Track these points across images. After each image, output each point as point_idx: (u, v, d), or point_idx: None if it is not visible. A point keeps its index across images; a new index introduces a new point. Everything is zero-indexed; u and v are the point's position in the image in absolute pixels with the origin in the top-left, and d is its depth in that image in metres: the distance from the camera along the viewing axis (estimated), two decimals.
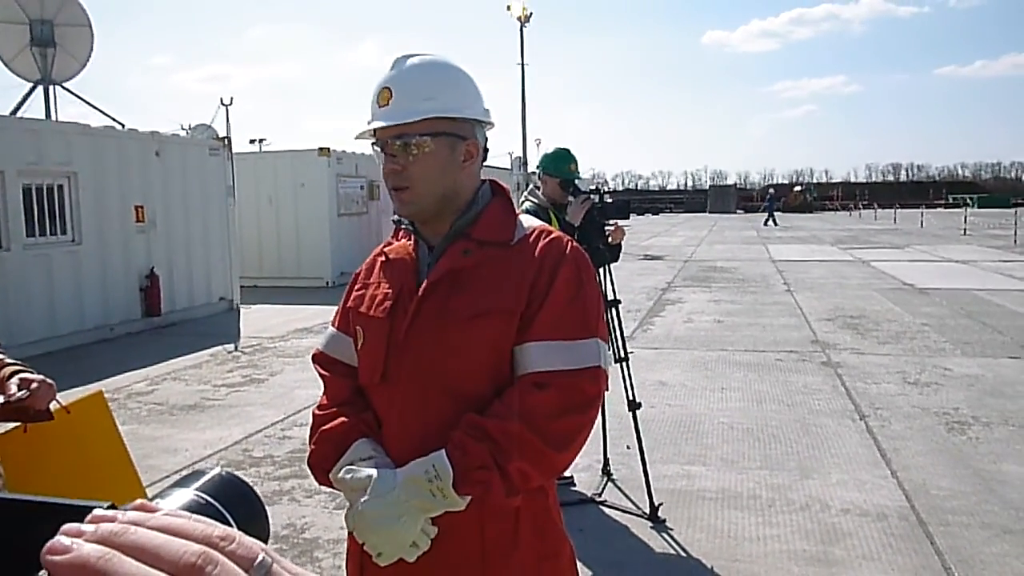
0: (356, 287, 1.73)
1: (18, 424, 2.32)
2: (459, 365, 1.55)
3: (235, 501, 0.56)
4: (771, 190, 45.74)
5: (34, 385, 2.16)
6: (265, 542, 0.47)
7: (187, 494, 0.55)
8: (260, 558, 0.42)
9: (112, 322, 10.32)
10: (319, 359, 1.78)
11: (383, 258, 1.70)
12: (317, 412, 1.69)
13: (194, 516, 0.44)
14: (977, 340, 8.98)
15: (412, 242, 1.67)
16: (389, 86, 1.57)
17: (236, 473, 0.61)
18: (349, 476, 1.49)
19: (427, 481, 1.43)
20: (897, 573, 3.64)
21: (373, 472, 1.47)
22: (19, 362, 2.30)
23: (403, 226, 1.70)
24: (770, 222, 40.04)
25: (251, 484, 0.61)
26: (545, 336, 1.52)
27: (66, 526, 0.41)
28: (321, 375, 1.75)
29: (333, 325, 1.78)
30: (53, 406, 2.26)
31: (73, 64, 15.20)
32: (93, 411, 2.67)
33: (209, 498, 0.55)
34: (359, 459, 1.53)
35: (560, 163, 4.49)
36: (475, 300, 1.55)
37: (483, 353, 1.55)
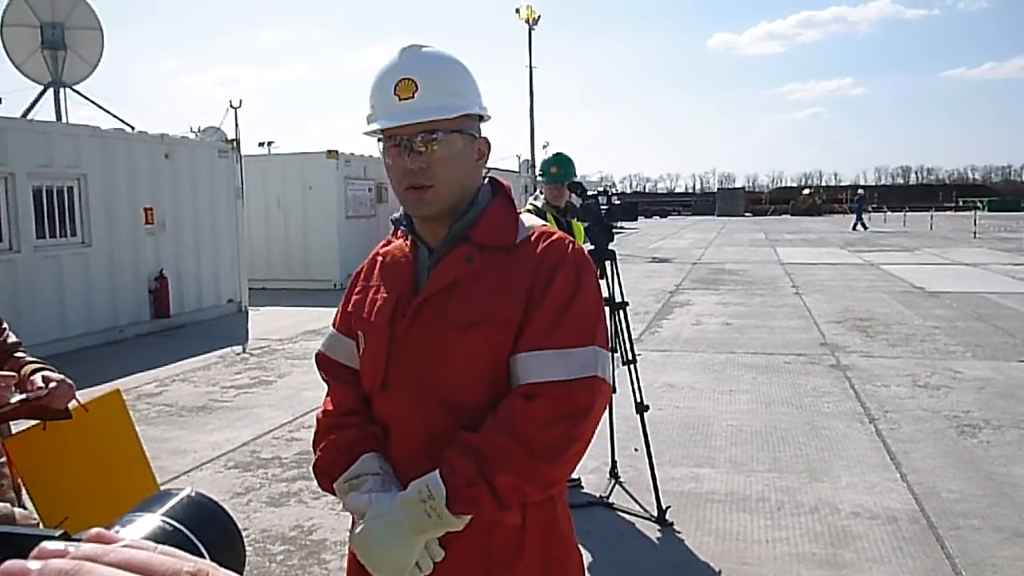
0: (356, 289, 1.69)
1: (38, 422, 2.33)
2: (454, 375, 1.50)
3: (207, 526, 0.50)
4: (860, 191, 41.34)
5: (52, 384, 2.18)
6: (241, 572, 0.42)
7: (152, 520, 0.49)
8: None
9: (121, 324, 10.35)
10: (322, 361, 1.74)
11: (381, 259, 1.65)
12: (322, 417, 1.66)
13: (160, 547, 0.40)
14: (988, 343, 8.93)
15: (409, 243, 1.62)
16: (412, 77, 1.48)
17: (207, 494, 0.55)
18: (352, 499, 1.48)
19: (421, 501, 1.39)
20: None
21: (372, 495, 1.46)
22: (40, 360, 2.32)
23: (402, 226, 1.64)
24: (859, 226, 35.88)
25: (224, 506, 0.55)
26: (538, 345, 1.46)
27: (8, 564, 0.36)
28: (325, 379, 1.73)
29: (334, 326, 1.75)
30: (71, 405, 2.28)
31: (84, 67, 15.27)
32: (111, 409, 2.68)
33: (177, 524, 0.49)
34: (364, 473, 1.51)
35: (544, 167, 4.80)
36: (472, 308, 1.49)
37: (479, 363, 1.49)
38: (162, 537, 0.47)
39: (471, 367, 1.49)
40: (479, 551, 1.48)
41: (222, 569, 0.38)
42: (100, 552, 0.37)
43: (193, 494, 0.53)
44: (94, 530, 0.40)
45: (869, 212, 40.52)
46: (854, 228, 35.70)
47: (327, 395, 1.72)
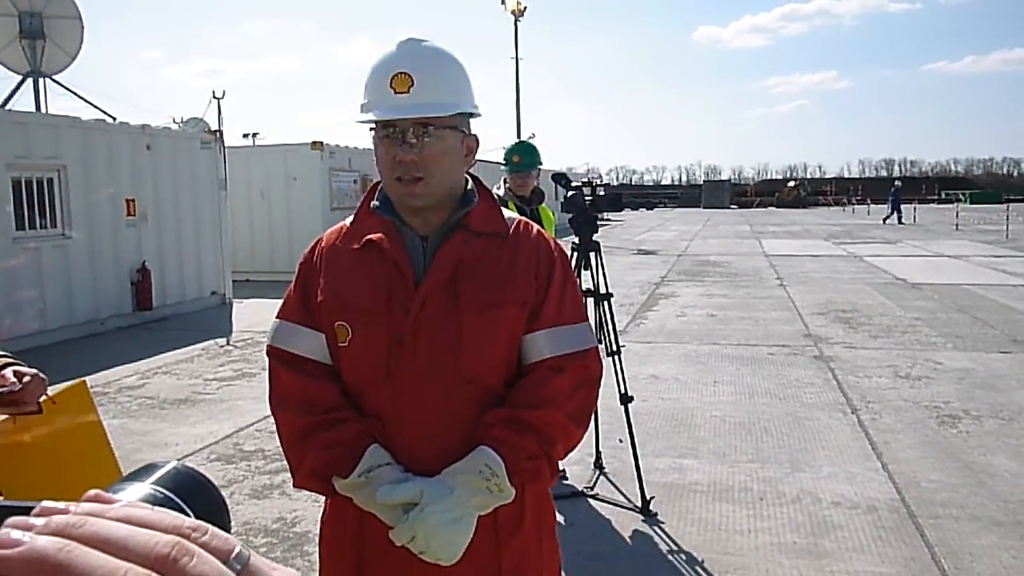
0: (322, 278, 1.64)
1: (6, 416, 2.31)
2: (475, 357, 1.56)
3: (195, 495, 0.51)
4: (897, 182, 38.78)
5: (26, 379, 2.15)
6: None
7: (143, 488, 0.50)
8: (238, 550, 0.39)
9: (103, 316, 10.26)
10: (279, 356, 1.67)
11: (356, 244, 1.62)
12: (296, 417, 1.59)
13: (157, 508, 0.41)
14: (968, 334, 9.01)
15: (393, 231, 1.60)
16: (408, 72, 1.52)
17: (193, 466, 0.56)
18: (390, 491, 1.44)
19: (484, 480, 1.45)
20: (887, 565, 3.65)
21: (423, 485, 1.44)
22: (10, 355, 2.29)
23: (385, 215, 1.63)
24: (893, 218, 33.85)
25: (210, 478, 0.56)
26: (554, 322, 1.62)
27: (13, 519, 0.37)
28: (292, 375, 1.64)
29: (286, 319, 1.68)
30: (41, 399, 2.25)
31: (63, 57, 15.10)
32: (77, 401, 2.66)
33: (167, 492, 0.50)
34: (378, 465, 1.49)
35: (507, 156, 4.70)
36: (487, 291, 1.56)
37: (498, 344, 1.58)
38: (154, 503, 0.48)
39: (491, 347, 1.58)
40: (487, 523, 1.54)
41: (219, 530, 0.40)
42: (102, 509, 0.38)
43: (180, 466, 0.55)
44: (92, 491, 0.42)
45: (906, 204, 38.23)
46: (885, 221, 34.16)
47: (285, 391, 1.65)
